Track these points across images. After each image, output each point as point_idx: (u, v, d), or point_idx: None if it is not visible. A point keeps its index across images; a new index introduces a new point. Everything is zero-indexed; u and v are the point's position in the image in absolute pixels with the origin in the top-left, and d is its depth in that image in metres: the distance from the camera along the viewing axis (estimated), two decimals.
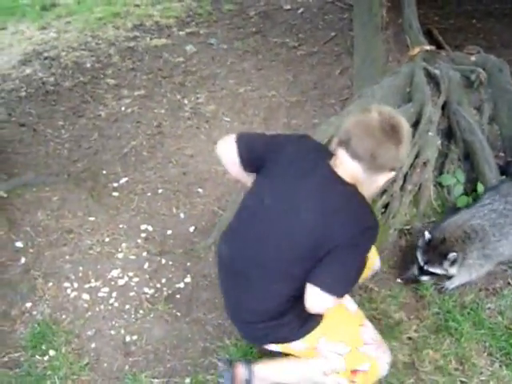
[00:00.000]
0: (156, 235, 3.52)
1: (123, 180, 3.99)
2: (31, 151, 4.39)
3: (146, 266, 3.28)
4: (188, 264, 3.29)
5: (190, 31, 6.32)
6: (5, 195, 3.73)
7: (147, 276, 3.23)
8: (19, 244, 3.43)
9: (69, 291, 3.16)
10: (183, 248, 3.40)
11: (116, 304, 3.08)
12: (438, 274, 2.98)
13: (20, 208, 3.67)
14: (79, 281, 3.21)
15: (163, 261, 3.31)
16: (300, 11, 6.54)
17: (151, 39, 6.19)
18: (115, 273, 3.24)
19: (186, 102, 4.98)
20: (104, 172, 4.08)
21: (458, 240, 2.95)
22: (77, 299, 3.11)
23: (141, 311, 3.04)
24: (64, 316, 3.03)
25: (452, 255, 2.90)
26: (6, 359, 2.82)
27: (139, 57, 5.83)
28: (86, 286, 3.18)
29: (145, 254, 3.37)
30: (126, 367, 2.79)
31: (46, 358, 2.83)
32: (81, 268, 3.28)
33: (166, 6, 6.96)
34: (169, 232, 3.54)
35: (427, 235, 2.97)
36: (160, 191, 3.89)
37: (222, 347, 2.83)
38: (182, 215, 3.68)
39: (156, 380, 2.72)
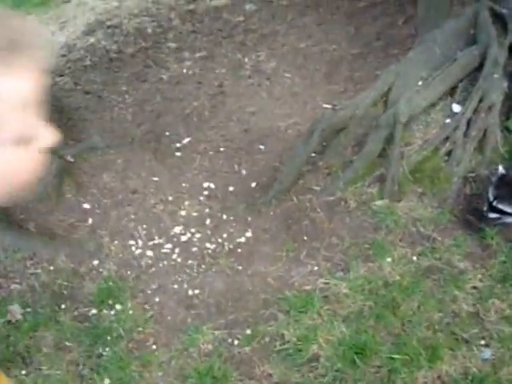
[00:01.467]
0: (218, 192, 3.54)
1: (186, 140, 4.02)
2: (96, 117, 4.48)
3: (207, 222, 3.32)
4: (249, 219, 3.30)
5: None
6: (72, 160, 3.84)
7: (209, 232, 3.26)
8: (86, 206, 3.54)
9: (133, 248, 3.24)
10: (245, 204, 3.41)
11: (179, 259, 3.14)
12: (507, 213, 2.84)
13: (87, 171, 3.77)
14: (143, 238, 3.28)
15: (224, 216, 3.34)
16: None
17: (211, 1, 6.15)
18: (178, 229, 3.29)
19: (246, 60, 4.94)
20: (167, 133, 4.12)
21: None
22: (141, 256, 3.19)
23: (203, 266, 3.08)
24: (129, 272, 3.11)
25: None
26: (75, 313, 2.94)
27: (199, 19, 5.81)
28: (150, 243, 3.25)
29: (207, 210, 3.41)
30: (189, 320, 2.85)
31: (112, 312, 2.92)
32: (145, 226, 3.35)
33: None
34: (230, 189, 3.55)
35: (501, 170, 2.83)
36: (222, 149, 3.89)
37: (283, 299, 2.84)
38: (243, 172, 3.68)
39: (217, 331, 2.76)
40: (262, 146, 3.88)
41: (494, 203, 2.84)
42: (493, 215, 2.89)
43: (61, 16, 6.51)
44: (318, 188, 3.36)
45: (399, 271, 2.88)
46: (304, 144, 3.44)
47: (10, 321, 2.95)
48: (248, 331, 2.73)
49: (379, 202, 3.20)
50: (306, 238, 3.13)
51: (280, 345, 2.66)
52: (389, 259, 2.95)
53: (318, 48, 4.98)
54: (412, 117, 3.35)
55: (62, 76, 5.18)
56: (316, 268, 2.97)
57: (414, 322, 2.68)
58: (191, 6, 6.07)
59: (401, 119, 3.23)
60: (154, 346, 2.74)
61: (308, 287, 2.88)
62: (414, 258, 2.94)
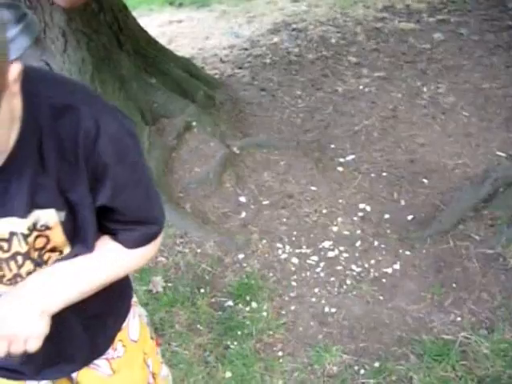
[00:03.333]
0: (373, 216, 3.50)
1: (350, 157, 4.00)
2: (267, 115, 4.58)
3: (357, 244, 3.28)
4: (400, 251, 3.22)
5: (441, 18, 6.11)
6: (237, 151, 3.95)
7: (357, 254, 3.22)
8: (242, 199, 3.63)
9: (280, 252, 3.27)
10: (398, 234, 3.34)
11: (322, 274, 3.13)
12: None
13: (249, 166, 3.87)
14: (291, 244, 3.31)
15: (376, 243, 3.28)
16: None
17: (399, 22, 6.09)
18: (327, 244, 3.29)
19: (425, 89, 4.84)
20: (332, 146, 4.13)
21: None
22: (286, 261, 3.21)
23: (344, 286, 3.06)
24: (271, 274, 3.15)
25: None
26: (212, 300, 3.01)
27: (384, 38, 5.77)
28: (297, 250, 3.27)
29: (359, 232, 3.37)
30: (320, 336, 2.83)
31: (247, 308, 2.97)
32: (295, 233, 3.38)
33: None
34: (386, 216, 3.49)
35: None
36: (384, 174, 3.84)
37: (419, 341, 2.75)
38: (402, 202, 3.61)
39: (346, 356, 2.72)
40: (425, 180, 3.78)
41: None
42: None
43: (250, 11, 6.74)
44: (477, 237, 3.22)
45: None
46: (473, 189, 3.31)
47: (151, 290, 3.09)
48: (376, 364, 2.67)
49: None
50: (454, 285, 3.01)
51: None
52: None
53: (502, 91, 4.78)
54: None
55: (240, 69, 5.35)
56: (459, 319, 2.85)
57: None
58: (378, 24, 6.04)
59: None
60: (281, 353, 2.75)
61: (447, 336, 2.76)
62: None
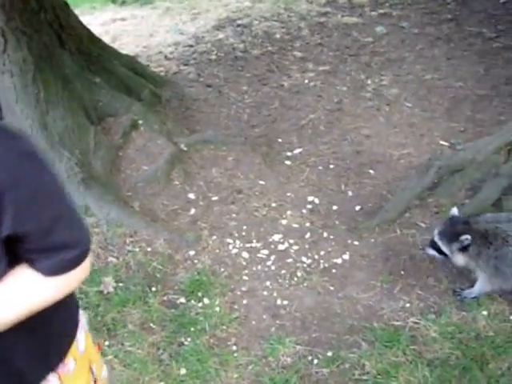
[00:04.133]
0: (321, 208, 3.54)
1: (297, 150, 4.04)
2: (214, 111, 4.58)
3: (307, 236, 3.32)
4: (349, 241, 3.27)
5: (383, 12, 6.23)
6: (185, 148, 3.94)
7: (307, 246, 3.26)
8: (191, 196, 3.62)
9: (230, 247, 3.28)
10: (346, 225, 3.39)
11: (273, 267, 3.15)
12: (443, 254, 2.82)
13: (197, 162, 3.86)
14: (241, 239, 3.32)
15: (325, 234, 3.33)
16: (502, 1, 6.17)
17: (342, 16, 6.17)
18: (277, 237, 3.31)
19: (369, 82, 4.92)
20: (280, 140, 4.16)
21: (478, 233, 2.74)
22: (237, 256, 3.23)
23: (295, 278, 3.08)
24: (222, 269, 3.15)
25: (465, 237, 2.69)
26: (164, 298, 3.00)
27: (328, 33, 5.84)
28: (247, 245, 3.29)
29: (308, 224, 3.41)
30: (273, 329, 2.85)
31: (200, 304, 2.96)
32: (245, 227, 3.39)
33: None
34: (334, 207, 3.54)
35: (455, 210, 2.83)
36: (331, 166, 3.89)
37: (370, 329, 2.79)
38: (349, 193, 3.67)
39: (299, 347, 2.74)
40: (371, 171, 3.85)
41: (435, 239, 2.82)
42: (430, 251, 2.89)
43: (194, 7, 6.72)
44: (423, 225, 3.29)
45: (494, 327, 2.77)
46: (418, 178, 3.39)
47: (101, 291, 3.05)
48: (329, 353, 2.71)
49: None
50: (403, 272, 3.08)
51: (359, 374, 2.62)
52: (484, 312, 2.85)
53: (444, 82, 4.90)
54: None
55: (186, 65, 5.34)
56: (408, 305, 2.91)
57: (501, 383, 2.58)
58: (322, 19, 6.11)
59: None
60: (235, 347, 2.76)
61: (397, 323, 2.82)
62: None
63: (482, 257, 2.77)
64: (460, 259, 2.81)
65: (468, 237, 2.72)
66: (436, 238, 2.83)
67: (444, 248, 2.81)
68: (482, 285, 2.87)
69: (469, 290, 2.93)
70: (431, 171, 3.35)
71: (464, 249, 2.75)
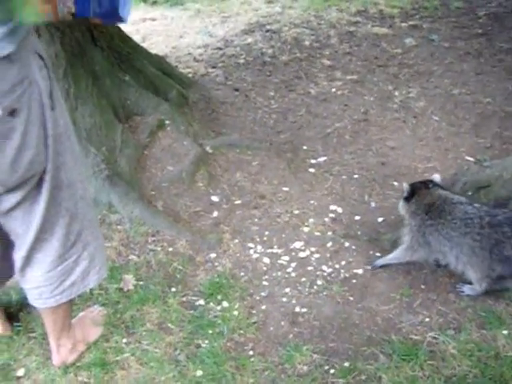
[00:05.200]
0: (344, 218, 3.54)
1: (322, 159, 4.04)
2: (240, 115, 4.59)
3: (328, 245, 3.31)
4: (370, 252, 3.26)
5: (413, 24, 6.21)
6: (210, 151, 3.96)
7: (328, 255, 3.25)
8: (215, 198, 3.63)
9: (251, 251, 3.28)
10: (368, 236, 3.39)
11: (293, 274, 3.15)
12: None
13: (221, 165, 3.87)
14: (263, 244, 3.33)
15: (346, 244, 3.32)
16: None
17: (372, 27, 6.17)
18: (298, 245, 3.31)
19: (396, 93, 4.90)
20: (304, 147, 4.16)
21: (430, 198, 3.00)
22: (257, 261, 3.23)
23: (315, 287, 3.08)
24: (242, 273, 3.16)
25: (405, 185, 3.05)
26: (184, 299, 3.01)
27: (357, 42, 5.83)
28: (268, 250, 3.29)
29: (330, 233, 3.40)
30: (290, 336, 2.84)
31: (219, 307, 2.97)
32: (266, 233, 3.40)
33: None
34: (357, 217, 3.54)
35: (436, 176, 3.13)
36: (355, 176, 3.89)
37: (388, 341, 2.78)
38: (372, 204, 3.66)
39: (316, 355, 2.74)
40: (395, 183, 3.84)
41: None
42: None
43: (224, 10, 6.74)
44: None
45: None
46: None
47: (121, 289, 3.07)
48: (346, 364, 2.69)
49: None
50: (423, 286, 3.06)
51: None
52: (505, 332, 2.82)
53: (472, 97, 4.87)
54: None
55: (214, 68, 5.37)
56: (427, 320, 2.89)
57: None
58: (352, 28, 6.11)
59: None
60: (251, 352, 2.76)
61: (416, 337, 2.80)
62: None
63: (417, 219, 3.00)
64: (400, 206, 3.10)
65: (406, 186, 3.04)
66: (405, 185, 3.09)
67: (405, 193, 3.07)
68: (400, 251, 3.10)
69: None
70: (457, 186, 3.33)
71: (406, 199, 3.04)
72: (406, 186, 3.05)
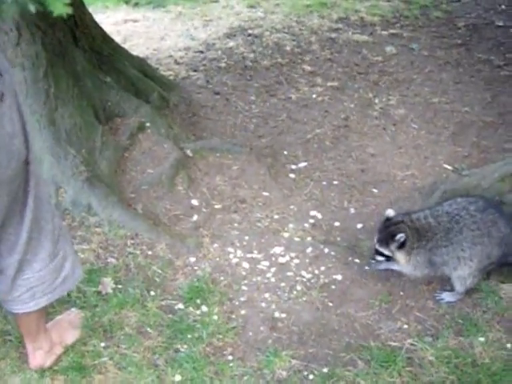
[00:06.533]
0: (323, 224, 3.55)
1: (302, 164, 4.05)
2: (221, 119, 4.59)
3: (308, 250, 3.32)
4: (349, 258, 3.28)
5: (393, 32, 6.25)
6: (190, 154, 3.95)
7: (307, 260, 3.26)
8: (195, 202, 3.62)
9: (231, 256, 3.28)
10: (348, 242, 3.40)
11: (273, 279, 3.15)
12: (388, 257, 3.00)
13: (202, 169, 3.86)
14: (242, 249, 3.32)
15: (326, 250, 3.33)
16: None
17: (353, 34, 6.19)
18: (278, 250, 3.31)
19: (376, 101, 4.93)
20: (285, 152, 4.17)
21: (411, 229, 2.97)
22: (237, 265, 3.23)
23: (294, 292, 3.09)
24: (222, 278, 3.15)
25: (400, 236, 2.90)
26: (163, 303, 2.99)
27: (338, 49, 5.86)
28: (248, 255, 3.29)
29: (309, 239, 3.41)
30: (269, 341, 2.84)
31: (198, 311, 2.96)
32: (246, 237, 3.39)
33: (374, 4, 6.92)
34: (336, 224, 3.55)
35: (389, 212, 3.03)
36: (335, 182, 3.91)
37: (367, 348, 2.79)
38: (352, 210, 3.68)
39: (295, 361, 2.74)
40: (375, 190, 3.86)
41: (376, 246, 3.02)
42: (378, 258, 3.06)
43: (206, 14, 6.72)
44: None
45: (490, 354, 2.78)
46: (422, 200, 3.40)
47: (100, 292, 3.04)
48: (325, 369, 2.70)
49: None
50: (402, 293, 3.08)
51: None
52: (481, 339, 2.85)
53: (450, 106, 4.92)
54: None
55: (195, 71, 5.35)
56: (406, 326, 2.92)
57: None
58: (333, 35, 6.13)
59: None
60: (230, 357, 2.76)
61: (394, 343, 2.83)
62: (509, 345, 2.83)
63: (417, 249, 2.98)
64: (401, 257, 2.99)
65: (402, 235, 2.92)
66: (377, 246, 3.02)
67: (386, 252, 3.00)
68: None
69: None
70: (436, 194, 3.37)
71: (401, 246, 2.94)
72: (399, 236, 2.93)
